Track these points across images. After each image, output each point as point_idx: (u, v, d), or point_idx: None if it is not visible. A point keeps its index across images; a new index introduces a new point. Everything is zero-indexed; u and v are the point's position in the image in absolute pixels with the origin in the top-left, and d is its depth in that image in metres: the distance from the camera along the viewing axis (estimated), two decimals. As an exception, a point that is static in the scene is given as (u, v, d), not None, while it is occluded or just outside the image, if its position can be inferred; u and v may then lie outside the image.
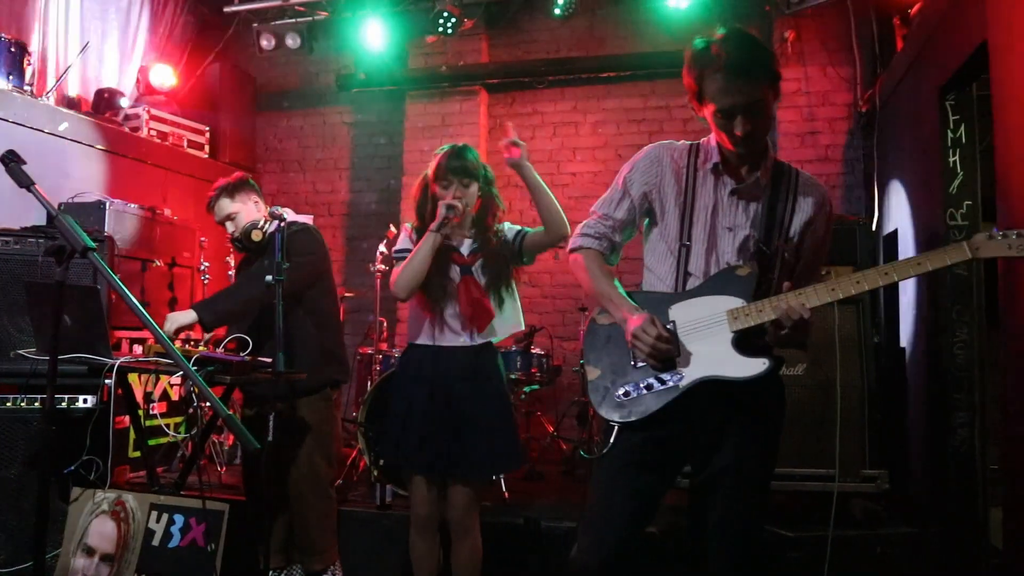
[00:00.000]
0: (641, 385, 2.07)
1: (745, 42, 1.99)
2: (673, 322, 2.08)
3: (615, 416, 2.10)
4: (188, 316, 3.08)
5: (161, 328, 3.04)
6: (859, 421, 3.90)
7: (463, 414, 2.85)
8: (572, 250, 2.30)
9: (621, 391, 2.09)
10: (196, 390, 4.82)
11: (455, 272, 2.90)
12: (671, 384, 2.04)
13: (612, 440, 2.13)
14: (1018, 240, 1.74)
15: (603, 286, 2.19)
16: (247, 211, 3.35)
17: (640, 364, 2.09)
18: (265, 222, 3.26)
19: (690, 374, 2.03)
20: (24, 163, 1.87)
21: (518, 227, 3.00)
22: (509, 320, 2.96)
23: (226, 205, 3.34)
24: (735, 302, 2.02)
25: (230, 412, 1.56)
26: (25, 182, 1.81)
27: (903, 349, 4.42)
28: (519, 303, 3.02)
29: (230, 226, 3.35)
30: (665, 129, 6.32)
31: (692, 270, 2.12)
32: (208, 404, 4.97)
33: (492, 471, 2.93)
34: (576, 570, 2.11)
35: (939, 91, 3.83)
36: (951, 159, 3.82)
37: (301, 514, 3.30)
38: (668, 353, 2.02)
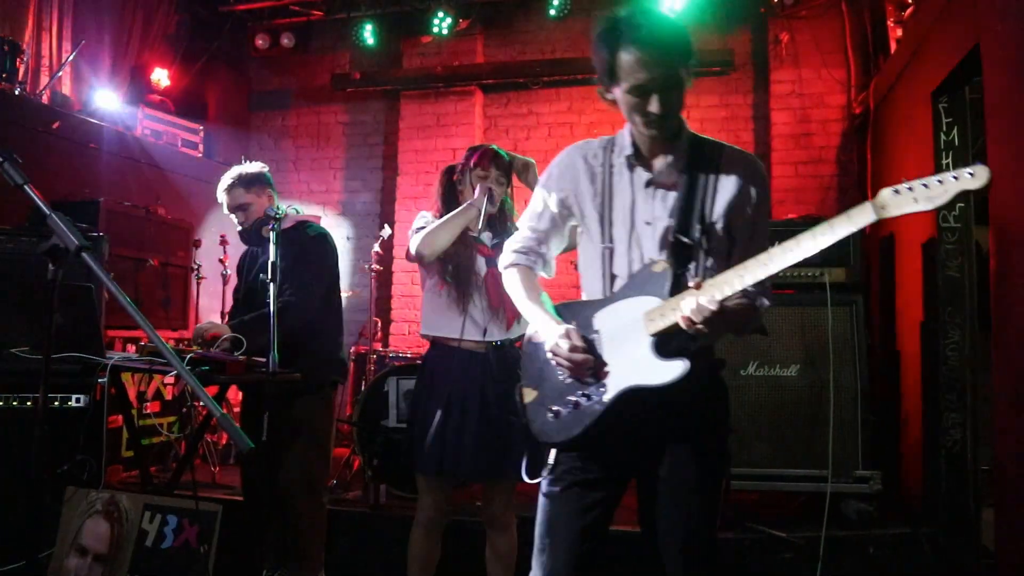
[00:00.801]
0: (570, 401, 1.92)
1: (659, 16, 1.91)
2: (597, 331, 1.94)
3: (549, 438, 1.98)
4: (223, 330, 3.07)
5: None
6: (852, 422, 3.92)
7: (497, 415, 2.80)
8: (503, 268, 2.19)
9: (552, 411, 1.95)
10: (190, 389, 4.83)
11: (481, 265, 2.88)
12: (596, 399, 1.88)
13: (551, 462, 2.03)
14: (925, 191, 1.53)
15: (526, 303, 2.08)
16: (259, 204, 3.28)
17: (568, 381, 1.95)
18: (273, 220, 3.19)
19: (613, 386, 1.87)
20: (19, 162, 1.86)
21: None
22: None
23: (240, 195, 3.27)
24: (652, 302, 1.85)
25: (223, 412, 1.55)
26: (18, 181, 1.80)
27: (896, 351, 4.43)
28: None
29: (240, 216, 3.29)
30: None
31: (617, 272, 1.99)
32: (202, 404, 4.97)
33: (515, 470, 2.89)
34: None
35: (932, 94, 3.85)
36: (944, 161, 3.84)
37: (293, 517, 3.28)
38: (586, 364, 1.88)
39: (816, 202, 5.74)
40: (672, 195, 1.96)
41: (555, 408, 1.94)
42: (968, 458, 3.79)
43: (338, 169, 7.22)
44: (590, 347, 1.91)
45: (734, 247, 1.95)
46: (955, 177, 1.51)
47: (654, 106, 1.84)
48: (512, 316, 2.86)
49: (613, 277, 1.99)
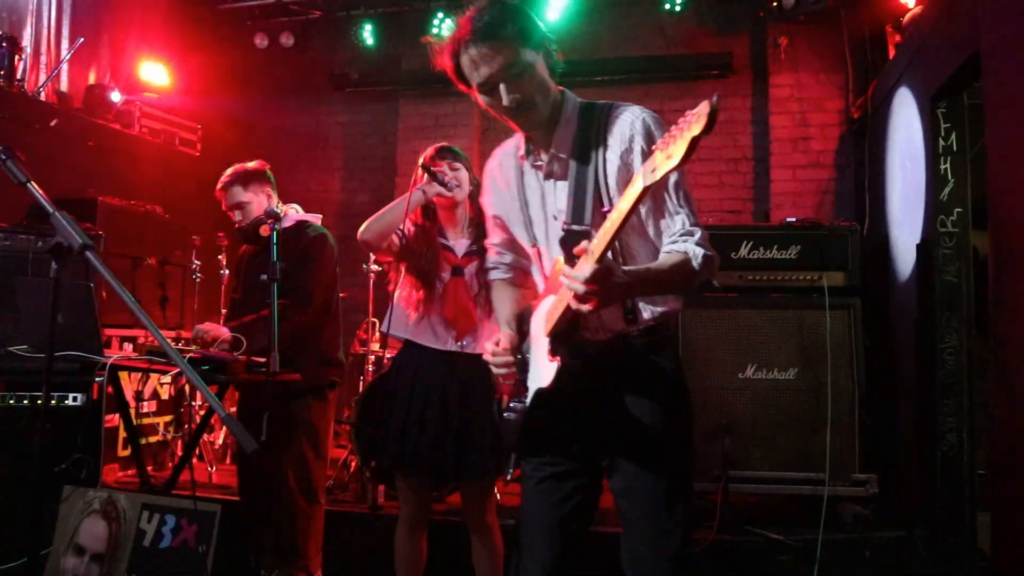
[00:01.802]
0: (511, 407, 1.93)
1: (487, 7, 1.78)
2: (533, 335, 1.92)
3: (508, 441, 2.00)
4: (223, 333, 3.06)
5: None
6: (849, 425, 3.94)
7: (460, 415, 2.82)
8: (489, 285, 2.27)
9: (505, 416, 1.96)
10: (190, 388, 4.82)
11: (446, 273, 2.88)
12: (522, 404, 1.88)
13: (512, 461, 2.04)
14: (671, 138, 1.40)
15: (497, 314, 2.14)
16: (258, 203, 3.26)
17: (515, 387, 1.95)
18: (273, 219, 3.17)
19: (530, 390, 1.86)
20: (21, 159, 1.86)
21: None
22: (491, 331, 2.93)
23: (238, 193, 3.25)
24: (549, 302, 1.80)
25: (228, 412, 1.55)
26: (21, 179, 1.80)
27: (893, 354, 4.45)
28: None
29: (238, 215, 3.26)
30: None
31: (547, 271, 1.95)
32: (198, 404, 4.96)
33: (489, 471, 2.87)
34: None
35: (931, 99, 3.86)
36: (942, 166, 3.85)
37: (291, 517, 3.27)
38: (510, 376, 1.89)
39: (814, 206, 5.76)
40: (564, 184, 1.86)
41: (506, 414, 1.95)
42: (964, 462, 3.80)
43: (336, 169, 7.21)
44: (522, 354, 1.89)
45: (649, 214, 1.80)
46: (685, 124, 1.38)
47: (506, 98, 1.76)
48: (465, 330, 2.85)
49: (546, 278, 1.96)
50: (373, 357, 4.99)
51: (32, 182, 1.80)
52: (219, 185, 3.29)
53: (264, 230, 3.16)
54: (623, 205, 1.47)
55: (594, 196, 1.80)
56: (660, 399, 1.86)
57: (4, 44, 4.77)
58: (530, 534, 2.00)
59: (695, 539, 3.46)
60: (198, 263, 5.21)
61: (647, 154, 1.57)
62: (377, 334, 5.40)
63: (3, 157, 1.76)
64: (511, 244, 2.12)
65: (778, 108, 5.95)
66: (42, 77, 5.40)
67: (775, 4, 5.77)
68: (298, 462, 3.23)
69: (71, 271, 3.78)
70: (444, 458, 2.80)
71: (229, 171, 3.29)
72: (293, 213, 3.37)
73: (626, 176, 1.77)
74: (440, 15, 6.21)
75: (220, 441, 5.28)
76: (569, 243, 1.70)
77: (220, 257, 5.29)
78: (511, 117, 1.82)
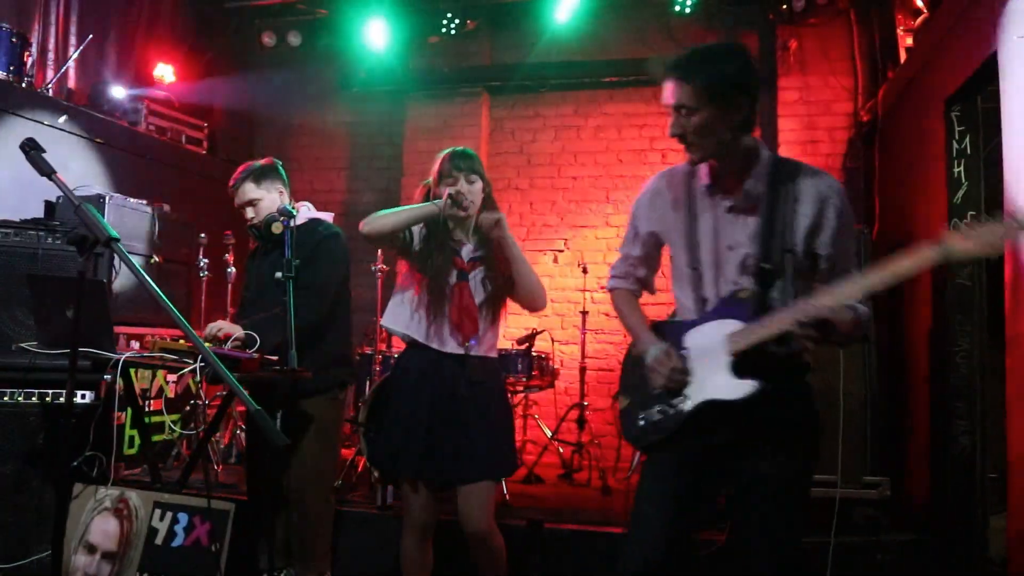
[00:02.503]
0: (655, 411, 2.12)
1: (695, 49, 2.01)
2: (687, 348, 2.11)
3: (636, 443, 2.21)
4: (236, 331, 3.02)
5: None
6: (861, 428, 3.92)
7: (462, 418, 2.80)
8: (608, 289, 2.43)
9: (641, 419, 2.15)
10: (204, 386, 4.80)
11: (453, 277, 2.86)
12: (677, 409, 2.08)
13: (634, 465, 2.22)
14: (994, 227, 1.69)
15: (628, 322, 2.32)
16: (270, 200, 3.21)
17: (656, 392, 2.13)
18: (286, 217, 3.14)
19: (694, 398, 2.06)
20: (44, 151, 1.84)
21: None
22: (492, 340, 2.93)
23: (250, 190, 3.20)
24: (734, 325, 2.02)
25: (258, 407, 1.53)
26: (47, 170, 1.78)
27: (906, 358, 4.44)
28: (500, 325, 2.97)
29: (250, 211, 3.22)
30: (667, 135, 6.32)
31: (706, 295, 2.13)
32: (205, 402, 4.94)
33: (490, 474, 2.85)
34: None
35: (945, 102, 3.86)
36: (956, 169, 3.85)
37: (301, 516, 3.25)
38: (681, 382, 2.07)
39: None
40: (752, 220, 2.07)
41: (643, 416, 2.14)
42: (976, 465, 3.79)
43: (342, 169, 7.20)
44: (682, 364, 2.08)
45: (817, 265, 2.05)
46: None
47: (675, 128, 1.98)
48: (469, 333, 2.83)
49: (704, 300, 2.13)
50: (381, 357, 4.98)
51: (57, 174, 1.78)
52: (231, 182, 3.26)
53: (276, 227, 3.14)
54: (904, 265, 1.80)
55: (780, 241, 2.02)
56: (801, 420, 2.11)
57: (14, 39, 4.75)
58: (633, 532, 2.19)
59: (707, 541, 3.45)
60: (206, 261, 5.18)
61: (841, 215, 2.01)
62: (384, 334, 5.38)
63: (29, 148, 1.75)
64: (647, 261, 2.34)
65: (786, 111, 5.96)
66: (50, 73, 5.38)
67: (784, 6, 5.77)
68: (310, 461, 3.21)
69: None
70: (443, 460, 2.78)
71: (241, 168, 3.27)
72: (305, 211, 3.34)
73: (819, 234, 2.02)
74: (449, 15, 6.19)
75: (226, 441, 5.26)
76: (763, 278, 2.02)
77: (227, 256, 5.27)
78: (686, 147, 2.03)
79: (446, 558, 3.11)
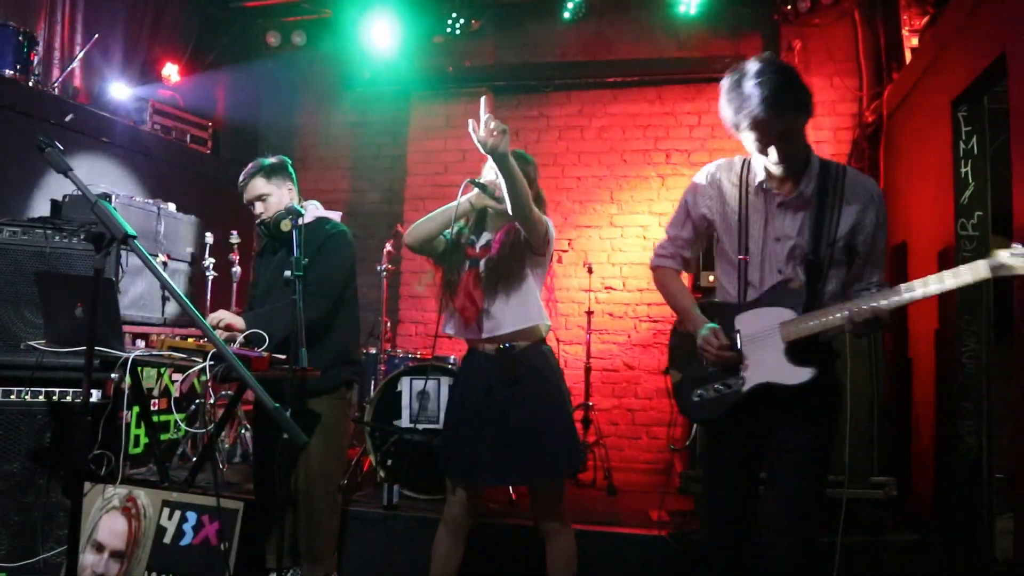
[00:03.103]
0: (712, 388, 2.32)
1: (778, 77, 2.11)
2: (738, 331, 2.29)
3: (695, 416, 2.43)
4: (239, 322, 3.02)
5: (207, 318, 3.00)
6: (868, 428, 3.92)
7: (504, 418, 2.78)
8: (652, 267, 2.59)
9: (697, 394, 2.35)
10: (210, 385, 4.81)
11: (465, 266, 2.90)
12: (735, 388, 2.28)
13: (693, 434, 2.72)
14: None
15: (678, 301, 2.47)
16: (279, 196, 3.23)
17: (712, 370, 2.33)
18: (293, 215, 3.13)
19: (751, 379, 2.25)
20: (61, 149, 1.84)
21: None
22: (513, 315, 2.84)
23: (260, 185, 3.21)
24: (788, 314, 2.21)
25: (276, 404, 1.53)
26: (63, 167, 1.79)
27: (912, 358, 4.44)
28: (528, 299, 2.87)
29: (259, 207, 3.23)
30: (671, 135, 6.33)
31: (751, 280, 2.32)
32: (212, 401, 4.94)
33: (540, 474, 2.80)
34: (707, 556, 2.49)
35: (952, 102, 3.86)
36: (963, 170, 3.85)
37: (307, 515, 3.25)
38: (730, 360, 2.26)
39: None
40: (801, 215, 2.26)
41: (700, 392, 2.35)
42: (983, 466, 3.79)
43: (346, 168, 7.20)
44: (732, 344, 2.27)
45: (853, 261, 2.27)
46: None
47: (775, 155, 2.16)
48: (470, 317, 2.82)
49: (747, 284, 2.32)
50: (386, 356, 4.98)
51: (73, 171, 1.79)
52: (240, 177, 3.27)
53: (284, 225, 3.15)
54: (960, 278, 1.98)
55: (826, 237, 2.22)
56: (831, 399, 2.33)
57: (20, 38, 4.75)
58: (713, 511, 2.48)
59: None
60: (211, 261, 5.19)
61: (880, 219, 2.24)
62: (390, 334, 5.39)
63: (45, 145, 1.75)
64: (694, 243, 2.50)
65: (791, 111, 5.94)
66: (56, 72, 5.38)
67: (789, 7, 5.78)
68: (317, 460, 3.21)
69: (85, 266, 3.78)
70: (496, 462, 2.77)
71: (251, 164, 3.27)
72: (313, 209, 3.35)
73: (860, 233, 2.24)
74: (453, 15, 6.19)
75: (231, 440, 5.26)
76: (811, 271, 2.22)
77: (232, 255, 5.27)
78: (774, 166, 2.21)
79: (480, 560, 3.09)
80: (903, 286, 2.07)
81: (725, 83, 2.23)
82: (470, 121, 2.52)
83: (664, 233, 2.57)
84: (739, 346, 2.28)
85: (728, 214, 2.36)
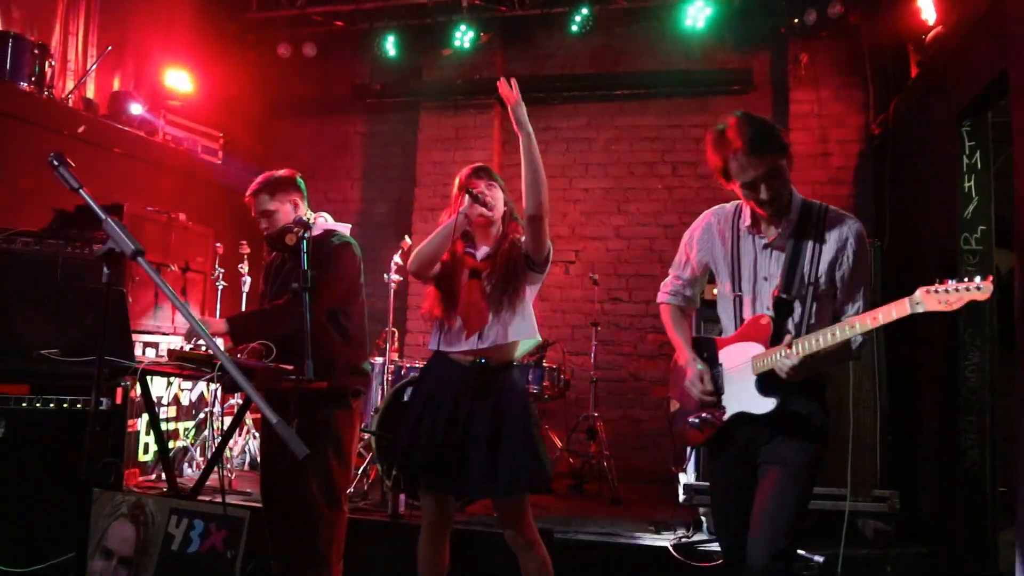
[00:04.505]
0: (701, 416, 2.51)
1: (756, 125, 2.31)
2: (721, 364, 2.51)
3: (690, 441, 2.61)
4: (220, 327, 3.06)
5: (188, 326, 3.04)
6: (871, 441, 3.93)
7: (468, 432, 2.81)
8: (659, 303, 2.78)
9: (691, 422, 2.54)
10: (218, 395, 4.85)
11: (465, 276, 2.92)
12: (717, 417, 2.48)
13: (689, 456, 3.13)
14: (944, 295, 1.97)
15: (674, 335, 2.67)
16: (285, 211, 3.25)
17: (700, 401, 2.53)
18: (301, 228, 3.19)
19: (729, 409, 2.46)
20: (72, 166, 1.89)
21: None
22: (513, 328, 2.88)
23: (264, 201, 3.24)
24: (757, 348, 2.39)
25: (279, 418, 1.57)
26: (74, 185, 1.83)
27: (916, 371, 4.45)
28: (530, 315, 2.95)
29: (264, 222, 3.26)
30: (677, 148, 6.37)
31: (745, 317, 2.49)
32: (220, 410, 4.99)
33: (501, 490, 2.79)
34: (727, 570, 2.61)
35: (956, 117, 3.87)
36: (966, 184, 3.87)
37: (313, 524, 3.26)
38: (711, 400, 2.47)
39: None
40: (783, 256, 2.42)
41: (693, 420, 2.54)
42: (986, 479, 3.79)
43: (355, 179, 7.26)
44: (715, 379, 2.50)
45: (836, 294, 2.40)
46: (966, 288, 1.94)
47: (763, 194, 2.31)
48: (475, 326, 2.85)
49: (741, 320, 2.50)
50: (393, 367, 5.02)
51: (84, 188, 1.83)
52: (248, 192, 3.31)
53: (289, 238, 3.17)
54: (880, 317, 2.08)
55: (801, 275, 2.38)
56: (814, 428, 2.42)
57: (35, 50, 4.83)
58: (718, 525, 2.66)
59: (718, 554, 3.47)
60: (221, 270, 5.24)
61: (858, 255, 2.36)
62: (396, 343, 5.43)
63: (56, 163, 1.80)
64: (695, 282, 2.69)
65: (798, 124, 5.98)
66: (69, 84, 5.46)
67: (796, 20, 5.81)
68: (322, 470, 3.23)
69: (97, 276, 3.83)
70: (464, 474, 2.79)
71: (259, 179, 3.31)
72: (322, 222, 3.38)
73: (838, 269, 2.36)
74: (463, 28, 6.25)
75: (238, 449, 5.31)
76: (780, 307, 2.38)
77: (242, 265, 5.33)
78: (760, 206, 2.35)
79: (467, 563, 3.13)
80: (838, 326, 2.18)
81: (710, 136, 2.40)
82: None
83: (670, 273, 2.76)
84: (721, 379, 2.50)
85: (722, 256, 2.56)
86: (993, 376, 3.81)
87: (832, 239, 2.38)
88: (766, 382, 2.35)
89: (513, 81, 2.83)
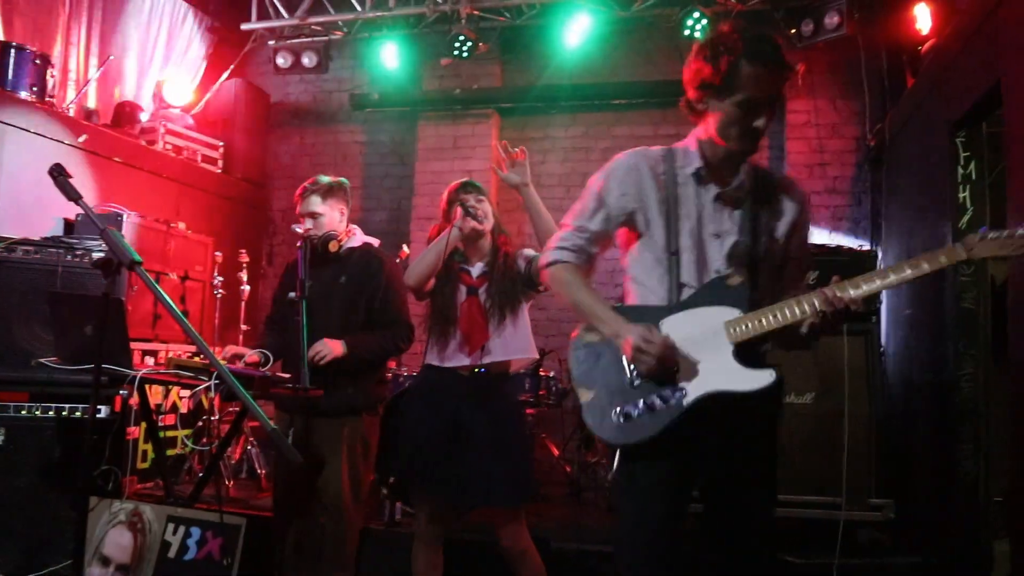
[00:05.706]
0: (641, 405, 1.94)
1: (769, 35, 1.95)
2: (666, 335, 1.94)
3: (617, 439, 1.99)
4: (340, 348, 3.08)
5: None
6: (866, 451, 3.93)
7: (469, 440, 2.85)
8: (548, 264, 2.16)
9: (621, 413, 1.96)
10: (217, 401, 4.86)
11: (462, 293, 2.95)
12: (674, 402, 1.91)
13: (617, 463, 2.06)
14: (1009, 240, 1.75)
15: (589, 301, 2.08)
16: (331, 217, 3.32)
17: (638, 383, 1.96)
18: (345, 237, 3.28)
19: (694, 390, 1.91)
20: (71, 176, 1.92)
21: (533, 252, 3.03)
22: (513, 344, 2.95)
23: (315, 203, 3.30)
24: (732, 312, 1.93)
25: (274, 426, 1.59)
26: (73, 195, 1.86)
27: (910, 381, 4.46)
28: (527, 330, 3.02)
29: (309, 222, 3.31)
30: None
31: (685, 280, 2.02)
32: (216, 418, 5.00)
33: (495, 499, 2.85)
34: None
35: (950, 128, 3.90)
36: (961, 195, 3.88)
37: (338, 529, 3.22)
38: (672, 364, 1.91)
39: (829, 232, 5.80)
40: (738, 212, 2.05)
41: (624, 409, 1.95)
42: (981, 489, 3.80)
43: (354, 188, 7.22)
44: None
45: (785, 265, 2.10)
46: None
47: (760, 122, 1.93)
48: (478, 343, 2.89)
49: (681, 286, 2.02)
50: (390, 375, 5.03)
51: (83, 199, 1.86)
52: (299, 190, 3.36)
53: (333, 245, 3.23)
54: (924, 265, 1.79)
55: (766, 234, 2.05)
56: (776, 423, 2.13)
57: (37, 60, 4.87)
58: (632, 545, 2.07)
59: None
60: (220, 279, 5.26)
61: (808, 221, 2.14)
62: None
63: (57, 175, 1.82)
64: (602, 238, 2.15)
65: (795, 134, 6.01)
66: (71, 93, 5.50)
67: (793, 30, 5.84)
68: (351, 475, 3.20)
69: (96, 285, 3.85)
70: (467, 481, 2.82)
71: (311, 180, 3.36)
72: (360, 235, 3.43)
73: (796, 233, 2.09)
74: (461, 38, 6.29)
75: (236, 457, 5.31)
76: (751, 265, 2.00)
77: (241, 274, 5.35)
78: (743, 136, 1.96)
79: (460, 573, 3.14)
80: (875, 272, 1.86)
81: (710, 37, 1.99)
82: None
83: (565, 226, 2.19)
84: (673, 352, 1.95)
85: (654, 203, 2.06)
86: (987, 386, 3.82)
87: (792, 202, 2.09)
88: (748, 353, 1.91)
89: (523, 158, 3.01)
